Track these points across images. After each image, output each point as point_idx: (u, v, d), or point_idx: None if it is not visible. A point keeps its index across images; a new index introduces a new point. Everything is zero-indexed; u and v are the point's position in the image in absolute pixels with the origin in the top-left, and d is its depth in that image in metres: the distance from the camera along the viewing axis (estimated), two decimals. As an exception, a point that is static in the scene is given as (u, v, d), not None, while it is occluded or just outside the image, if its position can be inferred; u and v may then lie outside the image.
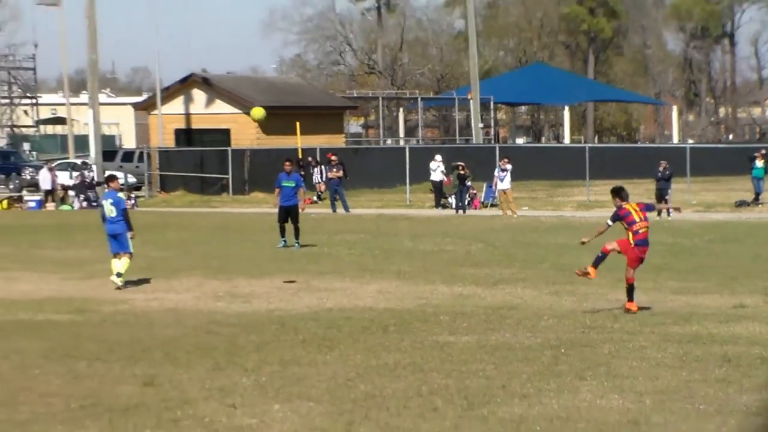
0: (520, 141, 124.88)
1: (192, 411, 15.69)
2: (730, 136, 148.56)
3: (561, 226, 48.31)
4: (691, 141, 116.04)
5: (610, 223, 24.37)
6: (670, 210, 52.60)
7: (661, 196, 55.63)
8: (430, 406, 15.80)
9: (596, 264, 24.30)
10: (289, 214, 40.29)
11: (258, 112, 61.70)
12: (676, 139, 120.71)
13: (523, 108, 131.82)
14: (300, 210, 41.21)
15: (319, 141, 75.68)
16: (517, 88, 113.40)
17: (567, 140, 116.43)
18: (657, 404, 15.70)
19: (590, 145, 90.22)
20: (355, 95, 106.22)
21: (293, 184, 40.64)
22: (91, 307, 25.90)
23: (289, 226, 40.24)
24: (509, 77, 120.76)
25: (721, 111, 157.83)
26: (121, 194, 30.83)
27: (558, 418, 15.00)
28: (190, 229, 48.50)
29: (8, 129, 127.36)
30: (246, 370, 18.44)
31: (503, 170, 57.35)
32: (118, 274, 29.09)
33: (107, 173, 56.20)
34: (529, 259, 35.98)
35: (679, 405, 15.54)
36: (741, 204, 60.82)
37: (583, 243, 25.58)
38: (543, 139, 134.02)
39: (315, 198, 66.37)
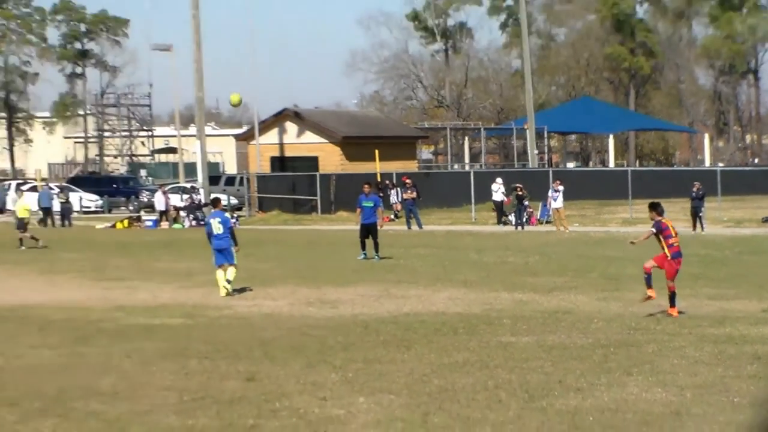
0: (571, 165, 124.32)
1: (288, 403, 15.68)
2: (756, 160, 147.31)
3: (607, 240, 48.04)
4: (721, 164, 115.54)
5: (653, 230, 24.43)
6: (704, 225, 52.55)
7: (695, 213, 55.48)
8: (496, 399, 15.72)
9: (649, 284, 24.32)
10: (369, 230, 40.32)
11: (235, 97, 61.80)
12: (707, 162, 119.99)
13: (573, 136, 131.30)
14: (378, 227, 41.28)
15: (395, 166, 75.67)
16: (567, 118, 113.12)
17: (611, 164, 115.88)
18: (696, 397, 15.56)
19: (632, 168, 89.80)
20: (426, 126, 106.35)
21: (372, 204, 40.69)
22: (200, 312, 25.96)
23: (369, 241, 40.26)
24: (560, 109, 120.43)
25: (748, 138, 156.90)
26: (226, 214, 30.90)
27: (608, 409, 14.90)
28: (285, 244, 48.54)
29: (128, 158, 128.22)
30: (334, 367, 18.41)
31: (556, 191, 57.34)
32: (228, 281, 29.19)
33: (213, 196, 56.38)
34: (580, 269, 35.77)
35: (716, 398, 15.40)
36: (767, 220, 60.34)
37: (633, 243, 26.55)
38: (590, 163, 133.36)
39: (392, 216, 66.30)
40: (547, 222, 61.16)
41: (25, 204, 50.65)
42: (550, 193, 58.93)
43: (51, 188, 75.61)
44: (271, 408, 15.40)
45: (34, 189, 78.03)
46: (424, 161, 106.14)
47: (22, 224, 48.70)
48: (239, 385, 17.17)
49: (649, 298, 24.38)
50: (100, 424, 14.59)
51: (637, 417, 14.49)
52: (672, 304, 24.15)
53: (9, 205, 53.44)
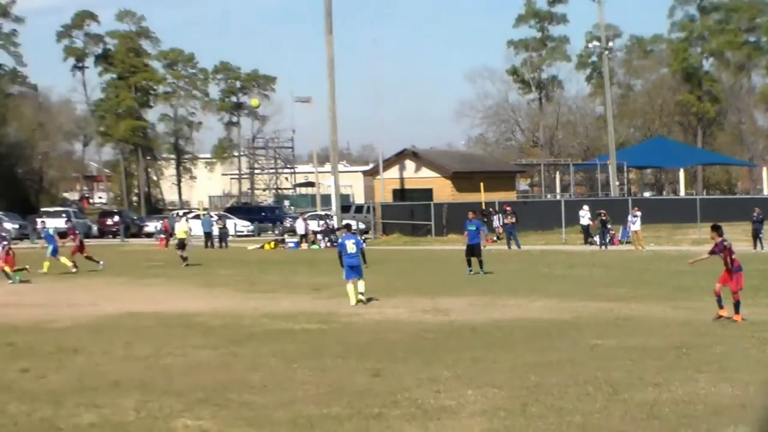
0: (647, 195, 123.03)
1: (408, 395, 15.60)
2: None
3: (679, 258, 47.30)
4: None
5: (708, 255, 24.38)
6: (764, 244, 51.86)
7: (756, 234, 54.98)
8: (584, 392, 15.57)
9: (720, 305, 23.96)
10: (473, 250, 40.27)
11: (255, 102, 60.62)
12: (766, 192, 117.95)
13: (649, 170, 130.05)
14: (482, 247, 41.28)
15: (497, 196, 75.44)
16: (643, 155, 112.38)
17: (682, 194, 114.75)
18: (759, 392, 15.35)
19: (700, 197, 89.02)
20: (523, 162, 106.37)
21: (475, 228, 40.80)
22: (333, 319, 25.94)
23: (474, 259, 40.14)
24: (638, 148, 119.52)
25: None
26: (358, 237, 30.92)
27: (682, 401, 14.71)
28: (404, 262, 48.50)
29: (274, 191, 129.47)
30: (447, 365, 18.28)
31: (635, 216, 57.09)
32: (362, 293, 29.22)
33: (345, 222, 56.65)
34: (656, 282, 35.28)
35: (777, 392, 15.11)
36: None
37: (690, 263, 26.81)
38: (664, 193, 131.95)
39: (495, 238, 66.04)
40: (627, 242, 60.51)
41: (184, 227, 51.36)
42: (629, 218, 58.68)
43: (211, 216, 76.52)
44: (393, 399, 15.34)
45: (197, 217, 79.17)
46: (522, 192, 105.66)
47: (181, 244, 49.30)
48: (366, 380, 17.12)
49: (720, 317, 23.96)
50: (251, 412, 14.62)
51: (708, 408, 14.30)
52: (736, 311, 23.70)
53: (177, 230, 54.33)
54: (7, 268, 39.44)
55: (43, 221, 68.06)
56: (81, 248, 45.35)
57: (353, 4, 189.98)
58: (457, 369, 17.95)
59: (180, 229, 51.14)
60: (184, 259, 47.91)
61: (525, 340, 21.36)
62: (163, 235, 70.74)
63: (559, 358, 18.95)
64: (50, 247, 44.58)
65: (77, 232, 47.63)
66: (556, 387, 16.02)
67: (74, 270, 43.69)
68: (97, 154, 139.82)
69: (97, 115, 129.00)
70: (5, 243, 40.29)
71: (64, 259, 44.02)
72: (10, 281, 38.83)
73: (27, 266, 40.73)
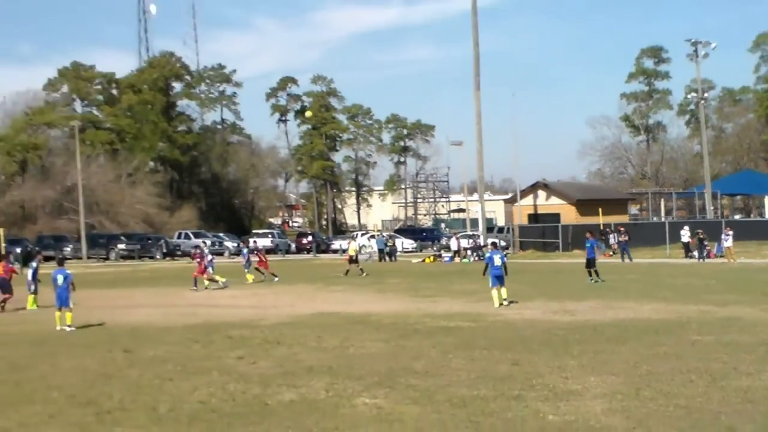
0: (737, 217, 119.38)
1: (541, 380, 15.36)
2: None
3: (766, 269, 45.89)
4: None
5: None
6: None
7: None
8: (687, 380, 15.13)
9: None
10: (591, 263, 39.58)
11: (309, 113, 59.33)
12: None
13: (738, 197, 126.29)
14: (597, 259, 40.66)
15: (613, 219, 74.18)
16: (734, 185, 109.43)
17: (767, 216, 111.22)
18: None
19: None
20: (634, 191, 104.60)
21: (590, 245, 40.04)
22: (481, 318, 25.71)
23: (593, 270, 39.46)
24: (729, 178, 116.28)
25: None
26: (502, 252, 30.64)
27: (771, 388, 14.14)
28: (537, 273, 47.92)
29: (433, 216, 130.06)
30: (573, 356, 17.96)
31: (727, 235, 55.50)
32: (505, 299, 28.98)
33: (491, 240, 56.36)
34: (747, 289, 34.06)
35: None
36: None
37: None
38: (751, 215, 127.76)
39: (611, 253, 64.81)
40: (720, 256, 58.67)
41: (354, 246, 52.56)
42: (722, 236, 57.07)
43: (383, 236, 76.87)
44: (529, 384, 15.12)
45: (372, 237, 79.79)
46: (633, 215, 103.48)
47: (352, 259, 49.72)
48: (508, 368, 16.89)
49: None
50: (415, 393, 14.54)
51: (793, 394, 13.71)
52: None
53: (344, 246, 54.70)
54: (204, 277, 40.15)
55: (254, 240, 69.39)
56: (264, 263, 45.68)
57: (497, 66, 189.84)
58: (581, 359, 17.62)
59: (351, 247, 51.80)
60: (345, 274, 48.17)
61: (637, 337, 20.84)
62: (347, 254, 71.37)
63: (665, 351, 18.44)
64: (247, 262, 45.31)
65: (255, 250, 48.05)
66: (664, 375, 15.60)
67: (275, 279, 44.16)
68: (296, 188, 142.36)
69: (296, 157, 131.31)
70: (203, 256, 41.16)
71: (249, 275, 44.50)
72: (194, 288, 39.45)
73: (217, 277, 41.22)
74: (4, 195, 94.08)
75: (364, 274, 47.77)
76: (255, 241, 62.55)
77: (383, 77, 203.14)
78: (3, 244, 60.53)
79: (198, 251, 43.65)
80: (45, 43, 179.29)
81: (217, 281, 40.63)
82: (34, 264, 32.76)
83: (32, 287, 31.43)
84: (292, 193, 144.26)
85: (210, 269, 41.20)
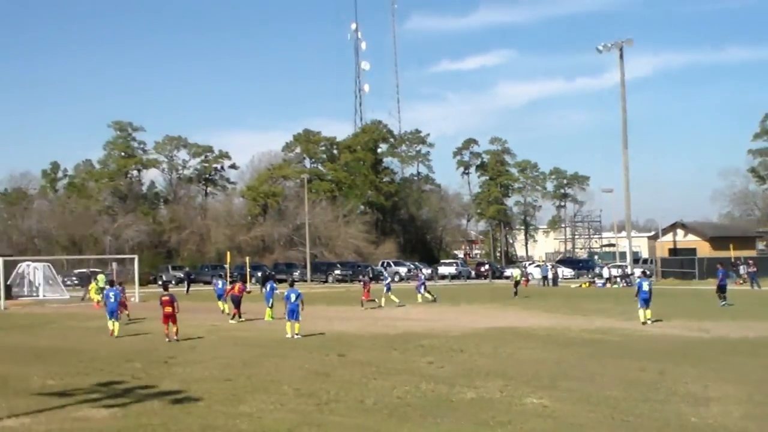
0: None
1: (684, 387, 14.63)
2: None
3: None
4: None
5: None
6: None
7: None
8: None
9: None
10: (721, 289, 37.45)
11: None
12: None
13: None
14: (728, 286, 38.61)
15: (742, 253, 70.42)
16: None
17: None
18: None
19: None
20: (760, 230, 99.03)
21: (720, 275, 37.89)
22: (628, 333, 24.61)
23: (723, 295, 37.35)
24: None
25: None
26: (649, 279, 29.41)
27: None
28: (677, 297, 45.73)
29: (587, 249, 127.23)
30: (711, 367, 17.02)
31: None
32: (648, 318, 27.75)
33: (638, 270, 54.35)
34: None
35: None
36: None
37: None
38: None
39: (741, 281, 61.28)
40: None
41: (516, 272, 52.46)
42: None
43: (547, 265, 75.35)
44: (673, 390, 14.38)
45: (538, 266, 78.37)
46: (760, 250, 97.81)
47: (516, 283, 49.40)
48: (654, 376, 16.06)
49: None
50: (575, 395, 13.98)
51: None
52: None
53: (512, 274, 54.18)
54: (366, 299, 39.53)
55: (437, 267, 69.12)
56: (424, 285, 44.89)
57: (642, 126, 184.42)
58: (719, 370, 16.60)
59: (516, 273, 51.40)
60: (515, 294, 47.41)
61: (750, 351, 19.63)
62: (525, 278, 70.30)
63: (790, 365, 17.14)
64: (420, 286, 44.71)
65: (387, 278, 46.49)
66: (788, 385, 14.46)
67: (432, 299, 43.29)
68: (475, 226, 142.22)
69: (475, 202, 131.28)
70: (366, 280, 41.05)
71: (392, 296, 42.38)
72: (363, 307, 38.61)
73: (393, 297, 40.59)
74: (249, 231, 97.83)
75: (516, 295, 47.05)
76: (437, 267, 62.44)
77: (547, 136, 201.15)
78: (248, 269, 62.60)
79: (366, 279, 43.31)
80: (284, 115, 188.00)
81: (374, 300, 39.76)
82: (270, 285, 33.52)
83: (270, 303, 32.12)
84: (473, 230, 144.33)
85: (388, 290, 41.02)
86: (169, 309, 24.13)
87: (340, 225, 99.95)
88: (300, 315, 24.83)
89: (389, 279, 42.08)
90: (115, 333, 25.61)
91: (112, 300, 26.54)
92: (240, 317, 31.25)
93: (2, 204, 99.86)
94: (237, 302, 31.47)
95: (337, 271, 78.71)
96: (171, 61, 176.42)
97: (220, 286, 37.74)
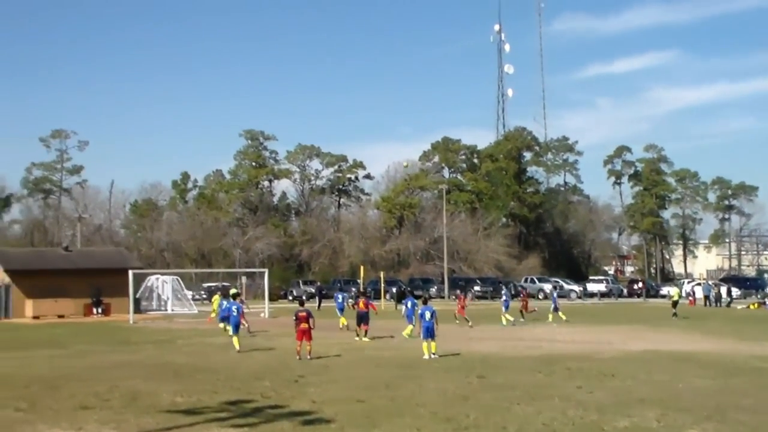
0: None
1: None
2: None
3: None
4: None
5: None
6: None
7: None
8: None
9: None
10: None
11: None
12: None
13: None
14: None
15: None
16: None
17: None
18: None
19: None
20: None
21: None
22: None
23: None
24: None
25: None
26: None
27: None
28: None
29: (756, 266, 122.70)
30: None
31: None
32: None
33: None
34: None
35: None
36: None
37: None
38: None
39: None
40: None
41: (676, 290, 51.70)
42: None
43: (709, 284, 72.50)
44: None
45: (699, 284, 75.59)
46: None
47: (674, 304, 48.14)
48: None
49: None
50: (746, 429, 13.26)
51: None
52: None
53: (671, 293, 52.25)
54: (460, 314, 39.15)
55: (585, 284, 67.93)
56: (526, 306, 43.83)
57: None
58: None
59: (674, 291, 50.00)
60: (674, 314, 45.83)
61: None
62: (690, 297, 68.21)
63: None
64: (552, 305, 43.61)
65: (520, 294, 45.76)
66: None
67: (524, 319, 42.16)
68: (627, 240, 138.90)
69: (628, 214, 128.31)
70: (462, 295, 40.91)
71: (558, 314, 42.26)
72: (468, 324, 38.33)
73: (507, 316, 39.84)
74: (384, 244, 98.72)
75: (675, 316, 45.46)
76: (585, 284, 60.87)
77: (708, 144, 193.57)
78: (383, 284, 63.02)
79: (461, 293, 43.12)
80: (421, 125, 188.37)
81: (466, 320, 38.95)
82: (411, 301, 33.56)
83: (412, 320, 31.94)
84: (624, 245, 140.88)
85: (504, 308, 40.42)
86: (305, 325, 24.42)
87: (480, 238, 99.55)
88: (436, 333, 24.77)
89: (506, 296, 41.71)
90: (236, 347, 26.34)
91: (235, 314, 27.26)
92: (365, 335, 31.32)
93: (132, 215, 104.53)
94: (362, 319, 31.56)
95: (477, 288, 78.29)
96: (302, 68, 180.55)
97: (340, 300, 38.50)
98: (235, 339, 26.69)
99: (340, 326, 36.06)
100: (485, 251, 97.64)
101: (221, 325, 34.11)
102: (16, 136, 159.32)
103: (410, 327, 32.01)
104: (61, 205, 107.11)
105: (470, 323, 38.30)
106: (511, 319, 39.81)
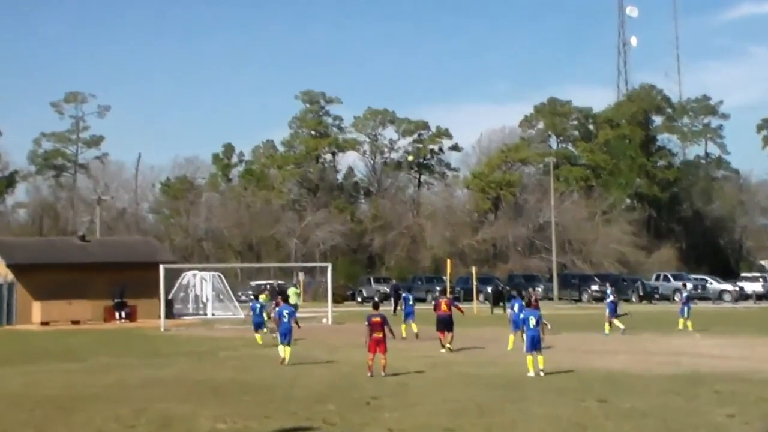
0: None
1: None
2: None
3: None
4: None
5: None
6: None
7: None
8: None
9: None
10: None
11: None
12: None
13: None
14: None
15: None
16: None
17: None
18: None
19: None
20: None
21: None
22: None
23: None
24: None
25: None
26: None
27: None
28: None
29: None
30: None
31: None
32: None
33: None
34: None
35: None
36: None
37: None
38: None
39: None
40: None
41: None
42: None
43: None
44: None
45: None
46: None
47: None
48: None
49: None
50: None
51: None
52: None
53: None
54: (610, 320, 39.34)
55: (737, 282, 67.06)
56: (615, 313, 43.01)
57: None
58: None
59: None
60: None
61: None
62: None
63: None
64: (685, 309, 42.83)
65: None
66: None
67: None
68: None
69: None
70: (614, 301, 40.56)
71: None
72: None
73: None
74: (476, 232, 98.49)
75: None
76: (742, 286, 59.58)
77: None
78: (475, 283, 62.79)
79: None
80: (521, 80, 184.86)
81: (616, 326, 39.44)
82: (518, 303, 33.28)
83: (519, 326, 31.79)
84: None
85: (609, 313, 40.05)
86: (379, 334, 24.39)
87: (598, 225, 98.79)
88: (542, 344, 24.52)
89: (612, 297, 41.17)
90: (286, 360, 26.70)
91: (286, 319, 27.35)
92: (449, 344, 31.13)
93: (164, 197, 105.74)
94: (444, 324, 31.41)
95: (594, 287, 77.60)
96: (371, 11, 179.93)
97: (411, 302, 38.06)
98: (286, 349, 26.76)
99: (403, 335, 35.79)
100: (605, 241, 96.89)
101: (258, 335, 34.49)
102: (22, 99, 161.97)
103: (511, 336, 31.78)
104: (77, 185, 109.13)
105: (623, 328, 38.79)
106: (621, 326, 39.39)
